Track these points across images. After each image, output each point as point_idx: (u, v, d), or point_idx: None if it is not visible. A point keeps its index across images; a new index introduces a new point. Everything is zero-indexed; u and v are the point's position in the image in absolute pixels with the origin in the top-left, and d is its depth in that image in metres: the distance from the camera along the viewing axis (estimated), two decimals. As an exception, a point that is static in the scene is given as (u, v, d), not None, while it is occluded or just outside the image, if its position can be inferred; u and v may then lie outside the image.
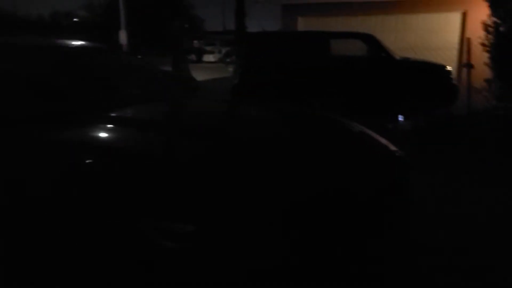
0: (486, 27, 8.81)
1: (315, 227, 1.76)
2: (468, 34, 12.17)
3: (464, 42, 8.11)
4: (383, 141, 2.67)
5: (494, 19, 8.60)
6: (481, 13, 8.99)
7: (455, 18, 13.22)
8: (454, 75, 7.90)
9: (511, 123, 7.17)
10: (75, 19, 54.29)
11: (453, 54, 12.94)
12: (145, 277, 1.53)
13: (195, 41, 38.73)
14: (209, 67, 27.98)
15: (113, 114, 2.46)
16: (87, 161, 1.86)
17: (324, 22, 14.08)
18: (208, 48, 39.03)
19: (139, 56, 23.87)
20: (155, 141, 2.10)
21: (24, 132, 2.15)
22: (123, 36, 15.44)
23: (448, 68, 7.95)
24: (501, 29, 8.49)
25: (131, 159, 1.87)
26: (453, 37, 13.09)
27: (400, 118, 7.52)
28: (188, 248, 1.50)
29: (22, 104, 2.43)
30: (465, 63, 7.83)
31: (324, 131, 2.62)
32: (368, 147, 2.48)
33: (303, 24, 14.77)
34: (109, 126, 2.30)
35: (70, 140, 2.06)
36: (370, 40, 8.11)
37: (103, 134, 2.24)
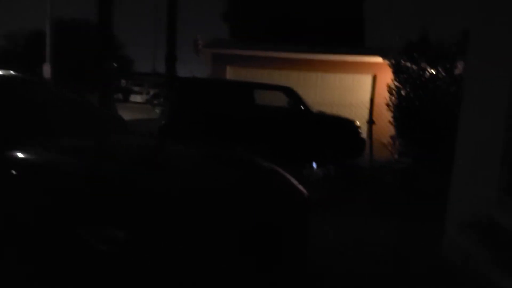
0: (390, 90, 10.06)
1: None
2: (377, 95, 13.62)
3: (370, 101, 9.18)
4: (292, 180, 3.09)
5: (397, 83, 9.87)
6: (388, 77, 10.26)
7: (367, 80, 14.74)
8: (362, 130, 8.82)
9: (407, 175, 8.12)
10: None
11: (365, 111, 14.32)
12: (83, 274, 1.76)
13: (123, 81, 38.38)
14: (136, 108, 27.82)
15: (46, 140, 2.65)
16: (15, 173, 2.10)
17: (251, 73, 14.94)
18: (136, 88, 38.84)
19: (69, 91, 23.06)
20: (83, 162, 2.37)
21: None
22: (47, 70, 15.16)
23: (357, 123, 8.88)
24: (402, 92, 9.75)
25: (66, 175, 2.13)
26: (366, 96, 14.51)
27: (314, 165, 8.22)
28: (117, 251, 1.76)
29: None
30: (368, 120, 8.85)
31: (235, 168, 3.00)
32: (275, 184, 2.89)
33: (232, 73, 15.54)
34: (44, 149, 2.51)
35: (8, 159, 2.25)
36: (290, 92, 8.87)
37: (38, 156, 2.43)
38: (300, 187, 2.98)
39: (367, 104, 14.53)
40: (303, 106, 8.75)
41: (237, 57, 15.48)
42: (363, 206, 6.25)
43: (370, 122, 8.79)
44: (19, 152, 2.37)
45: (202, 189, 2.33)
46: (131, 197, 2.00)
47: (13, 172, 2.19)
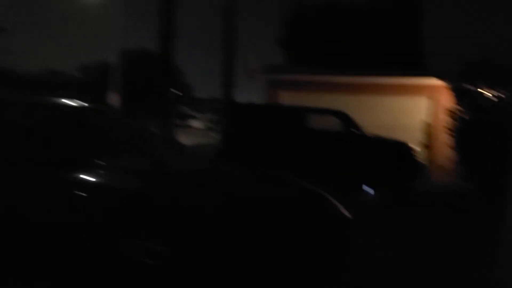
0: (451, 113, 9.69)
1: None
2: (434, 118, 13.20)
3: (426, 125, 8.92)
4: (335, 203, 3.14)
5: (458, 107, 9.47)
6: (446, 100, 9.93)
7: (423, 102, 14.35)
8: (419, 153, 8.58)
9: (470, 203, 7.73)
10: (68, 79, 55.74)
11: (421, 135, 13.90)
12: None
13: (183, 107, 39.86)
14: (195, 133, 28.75)
15: (107, 163, 2.91)
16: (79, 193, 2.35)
17: (303, 98, 15.05)
18: (196, 114, 40.18)
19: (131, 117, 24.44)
20: (143, 183, 2.60)
21: (37, 171, 2.60)
22: (114, 98, 16.18)
23: (413, 146, 8.66)
24: (465, 117, 9.30)
25: (119, 196, 2.35)
26: (422, 119, 14.09)
27: (368, 189, 8.09)
28: (162, 265, 1.93)
29: (35, 150, 2.92)
30: (423, 143, 8.60)
31: (280, 189, 3.11)
32: (315, 204, 2.97)
33: (285, 98, 15.75)
34: (103, 171, 2.76)
35: (68, 179, 2.52)
36: (342, 116, 8.87)
37: (98, 178, 2.68)
38: (343, 209, 3.03)
39: (423, 128, 14.15)
40: (356, 130, 8.70)
41: (291, 82, 15.71)
42: (418, 230, 6.05)
43: (426, 146, 8.53)
44: (83, 173, 2.62)
45: (245, 209, 2.45)
46: (177, 215, 2.16)
47: (77, 192, 2.43)
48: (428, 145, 8.61)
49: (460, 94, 9.44)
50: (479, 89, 9.04)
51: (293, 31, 24.59)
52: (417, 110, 14.19)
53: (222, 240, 2.14)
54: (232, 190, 2.85)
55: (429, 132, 8.70)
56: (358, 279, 3.51)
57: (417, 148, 8.61)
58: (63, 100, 4.08)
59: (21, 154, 2.87)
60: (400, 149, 8.63)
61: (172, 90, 13.59)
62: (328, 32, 21.37)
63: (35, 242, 2.22)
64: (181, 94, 42.80)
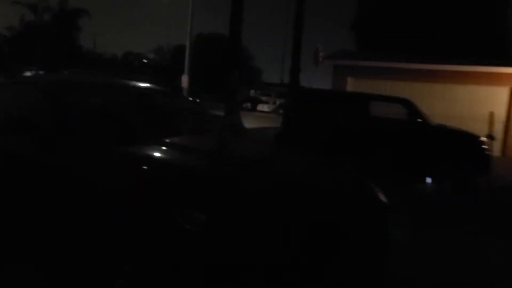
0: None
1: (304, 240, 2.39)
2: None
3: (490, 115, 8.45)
4: (375, 189, 3.24)
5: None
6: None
7: (503, 92, 13.50)
8: (488, 145, 8.19)
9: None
10: (144, 60, 58.80)
11: (500, 126, 13.11)
12: (173, 248, 2.25)
13: (252, 91, 40.44)
14: (262, 116, 29.14)
15: (166, 140, 3.25)
16: (144, 167, 2.68)
17: (372, 84, 14.77)
18: (264, 98, 40.62)
19: (198, 100, 25.46)
20: (193, 159, 2.90)
21: (108, 147, 2.99)
22: (185, 80, 16.89)
23: (482, 138, 8.27)
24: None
25: (172, 168, 2.68)
26: (500, 110, 13.28)
27: (428, 180, 7.88)
28: (199, 231, 2.20)
29: (105, 129, 3.32)
30: (488, 135, 8.16)
31: (323, 173, 3.26)
32: (354, 189, 3.10)
33: (353, 84, 15.55)
34: (162, 147, 3.10)
35: (136, 154, 2.87)
36: (407, 104, 8.66)
37: (157, 152, 3.03)
38: (381, 196, 3.11)
39: (502, 118, 13.32)
40: (420, 118, 8.47)
41: (359, 68, 15.46)
42: (473, 224, 5.85)
43: (491, 137, 8.10)
44: (149, 150, 2.97)
45: (287, 192, 2.64)
46: (212, 187, 2.45)
47: (144, 167, 2.77)
48: (494, 136, 8.14)
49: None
50: None
51: (367, 15, 23.95)
52: (495, 101, 13.41)
53: (265, 221, 2.35)
54: (279, 174, 3.04)
55: (490, 122, 8.22)
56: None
57: (484, 139, 8.19)
58: (133, 82, 4.49)
59: (95, 131, 3.27)
60: (466, 139, 8.28)
61: (237, 73, 13.89)
62: (402, 17, 20.59)
63: (102, 209, 2.59)
64: (251, 77, 43.47)
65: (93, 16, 50.88)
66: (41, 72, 39.23)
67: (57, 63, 39.54)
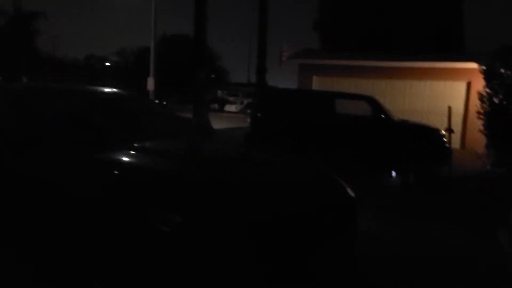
0: (481, 96, 9.60)
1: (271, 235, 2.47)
2: (471, 102, 12.97)
3: (450, 109, 8.88)
4: (342, 183, 3.37)
5: (488, 90, 9.39)
6: (481, 84, 9.79)
7: (460, 87, 14.07)
8: (447, 138, 8.56)
9: (496, 186, 7.71)
10: (107, 63, 57.60)
11: (459, 119, 13.68)
12: (148, 249, 2.28)
13: (219, 91, 40.36)
14: (230, 117, 29.19)
15: (135, 145, 3.27)
16: (115, 172, 2.70)
17: (337, 82, 15.10)
18: (231, 98, 40.62)
19: (164, 103, 25.18)
20: (164, 162, 2.95)
21: (73, 151, 2.97)
22: (150, 83, 16.69)
23: (442, 131, 8.64)
24: (495, 100, 9.24)
25: (143, 171, 2.70)
26: (458, 104, 13.84)
27: (393, 173, 8.18)
28: (175, 232, 2.25)
29: (69, 133, 3.31)
30: (447, 128, 8.56)
31: (293, 171, 3.37)
32: (320, 183, 3.23)
33: (318, 82, 15.82)
34: (132, 152, 3.12)
35: (107, 159, 2.88)
36: (370, 101, 8.94)
37: (127, 157, 3.04)
38: (349, 189, 3.25)
39: (461, 111, 13.90)
40: (383, 115, 8.75)
41: (324, 67, 15.74)
42: (433, 211, 6.16)
43: (449, 130, 8.49)
44: (119, 154, 2.98)
45: (257, 188, 2.72)
46: (186, 188, 2.50)
47: (115, 172, 2.78)
48: (452, 129, 8.54)
49: (492, 76, 9.31)
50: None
51: (329, 15, 24.36)
52: (454, 95, 13.96)
53: (237, 217, 2.41)
54: (248, 171, 3.13)
55: (448, 116, 8.63)
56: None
57: (443, 132, 8.58)
58: (100, 88, 4.47)
59: (64, 136, 3.25)
60: (427, 133, 8.64)
61: (203, 74, 13.89)
62: (363, 16, 21.07)
63: (76, 214, 2.59)
64: (217, 78, 43.33)
65: (51, 19, 49.41)
66: (-2, 78, 37.89)
67: (15, 68, 38.22)
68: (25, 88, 4.31)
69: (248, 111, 31.45)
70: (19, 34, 40.82)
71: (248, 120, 10.42)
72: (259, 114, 9.82)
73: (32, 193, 2.88)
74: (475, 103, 10.26)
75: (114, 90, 4.66)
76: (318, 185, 3.15)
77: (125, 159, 3.01)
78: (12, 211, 3.01)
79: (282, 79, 41.76)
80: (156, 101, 15.03)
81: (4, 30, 40.50)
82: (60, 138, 3.18)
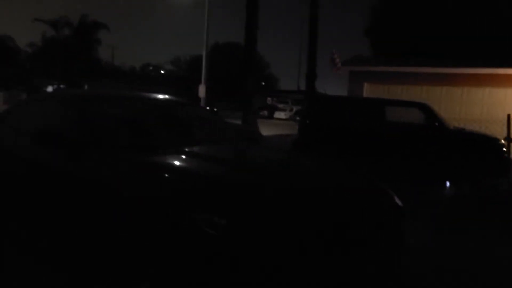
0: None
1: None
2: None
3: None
4: (390, 192, 3.30)
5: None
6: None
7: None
8: (507, 148, 8.12)
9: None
10: (162, 71, 59.72)
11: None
12: (195, 251, 2.37)
13: (268, 98, 40.59)
14: (279, 124, 29.26)
15: (186, 149, 3.39)
16: (166, 175, 2.83)
17: (389, 89, 14.75)
18: (280, 105, 40.74)
19: (215, 109, 25.69)
20: (213, 166, 3.06)
21: (127, 155, 3.13)
22: (202, 90, 17.10)
23: (501, 141, 8.20)
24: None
25: (192, 175, 2.81)
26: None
27: (447, 184, 7.85)
28: (220, 234, 2.32)
29: (123, 137, 3.49)
30: (506, 137, 8.09)
31: (340, 183, 3.34)
32: (365, 191, 3.18)
33: (369, 90, 15.51)
34: (181, 156, 3.24)
35: (159, 163, 3.02)
36: (424, 108, 8.66)
37: (176, 161, 3.17)
38: (396, 199, 3.17)
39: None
40: (438, 122, 8.45)
41: (375, 74, 15.42)
42: (488, 226, 5.81)
43: (509, 139, 8.03)
44: (171, 158, 3.11)
45: (302, 197, 2.74)
46: (232, 192, 2.59)
47: (166, 175, 2.90)
48: (507, 138, 8.07)
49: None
50: None
51: (381, 21, 23.89)
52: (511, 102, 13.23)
53: (278, 222, 2.45)
54: (293, 177, 3.14)
55: (508, 125, 8.14)
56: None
57: (502, 142, 8.12)
58: (154, 95, 4.66)
59: (119, 140, 3.44)
60: (484, 143, 8.23)
61: (253, 82, 14.07)
62: (416, 22, 20.47)
63: (128, 216, 2.72)
64: (267, 85, 43.59)
65: (111, 29, 51.79)
66: (62, 86, 40.26)
67: (78, 77, 40.49)
68: (86, 94, 4.57)
69: (297, 118, 31.43)
70: (82, 44, 43.30)
71: (297, 127, 10.42)
72: (307, 121, 9.80)
73: (87, 195, 3.04)
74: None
75: (167, 96, 4.84)
76: (364, 193, 3.11)
77: (176, 163, 3.13)
78: (72, 213, 3.20)
79: (333, 86, 41.41)
80: (207, 108, 15.36)
81: (68, 40, 43.09)
82: (116, 142, 3.36)
